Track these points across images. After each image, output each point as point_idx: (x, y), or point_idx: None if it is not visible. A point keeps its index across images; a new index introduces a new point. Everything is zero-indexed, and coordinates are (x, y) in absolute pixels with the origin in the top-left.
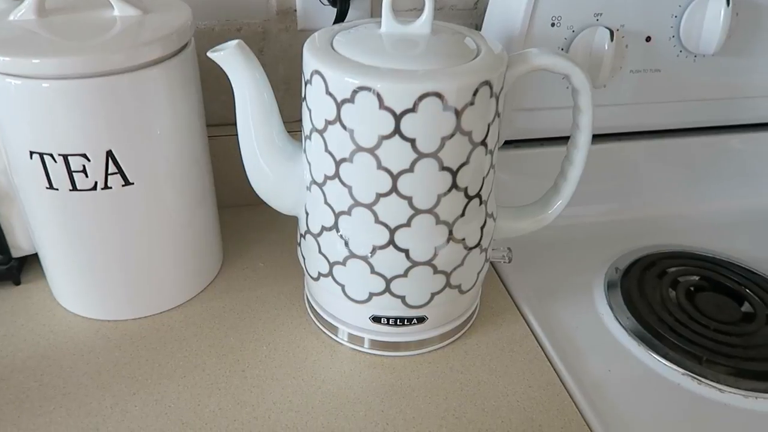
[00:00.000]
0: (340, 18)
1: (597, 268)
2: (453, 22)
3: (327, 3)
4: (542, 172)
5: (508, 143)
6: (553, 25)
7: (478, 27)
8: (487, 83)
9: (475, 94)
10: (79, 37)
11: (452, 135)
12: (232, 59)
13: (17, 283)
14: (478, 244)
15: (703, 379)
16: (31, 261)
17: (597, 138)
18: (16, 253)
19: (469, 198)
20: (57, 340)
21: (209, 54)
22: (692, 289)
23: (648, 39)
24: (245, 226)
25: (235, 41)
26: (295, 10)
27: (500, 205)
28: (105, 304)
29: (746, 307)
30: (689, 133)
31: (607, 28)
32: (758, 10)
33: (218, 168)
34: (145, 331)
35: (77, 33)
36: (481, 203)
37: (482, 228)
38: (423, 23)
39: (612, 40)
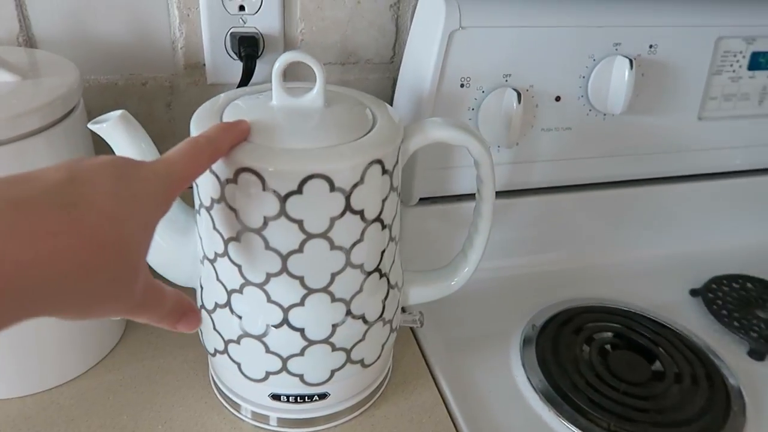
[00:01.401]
0: (246, 79)
1: (515, 324)
2: (369, 75)
3: (237, 58)
4: (465, 224)
5: (429, 199)
6: (462, 86)
7: (394, 81)
8: (378, 161)
9: (364, 173)
10: None
11: (342, 215)
12: (114, 132)
13: None
14: (380, 317)
15: None
16: None
17: (515, 193)
18: None
19: (367, 274)
20: None
21: (90, 126)
22: (606, 347)
23: (558, 98)
24: None
25: (119, 112)
26: (204, 65)
27: (411, 269)
28: None
29: (657, 365)
30: (604, 187)
31: (514, 89)
32: (664, 70)
33: None
34: (32, 410)
35: None
36: (381, 276)
37: (384, 300)
38: (315, 96)
39: (520, 101)
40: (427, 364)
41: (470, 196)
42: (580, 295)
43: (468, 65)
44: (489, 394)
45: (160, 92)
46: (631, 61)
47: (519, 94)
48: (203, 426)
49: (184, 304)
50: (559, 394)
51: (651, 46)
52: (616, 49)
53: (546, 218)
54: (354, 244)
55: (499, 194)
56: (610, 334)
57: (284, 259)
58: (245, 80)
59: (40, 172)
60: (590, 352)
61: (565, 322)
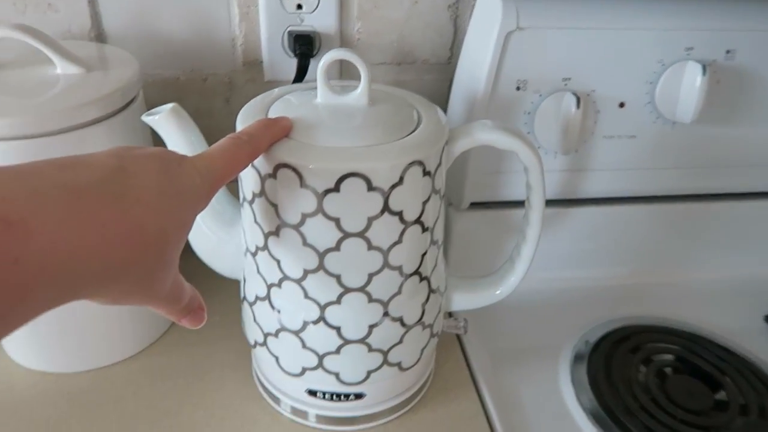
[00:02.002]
0: (300, 76)
1: (566, 338)
2: (425, 76)
3: (293, 56)
4: (517, 231)
5: (481, 204)
6: (518, 88)
7: (451, 82)
8: (419, 162)
9: (404, 173)
10: (18, 96)
11: (380, 215)
12: (165, 124)
13: None
14: (420, 321)
15: None
16: None
17: (573, 202)
18: None
19: (407, 276)
20: None
21: (143, 118)
22: (666, 369)
23: (622, 104)
24: (204, 275)
25: (170, 105)
26: (262, 62)
27: (457, 275)
28: (46, 356)
29: (721, 395)
30: (672, 200)
31: (574, 93)
32: (741, 77)
33: None
34: (85, 386)
35: (16, 92)
36: (421, 280)
37: (424, 304)
38: (359, 95)
39: (579, 106)
40: (471, 372)
41: (523, 203)
42: (639, 313)
43: (525, 67)
44: (533, 410)
45: (219, 88)
46: (704, 67)
47: (578, 99)
48: (243, 416)
49: (195, 302)
50: (610, 416)
51: (728, 51)
52: (688, 54)
53: (606, 230)
54: (392, 246)
55: (556, 203)
56: (671, 356)
57: (321, 256)
58: (299, 78)
59: (91, 157)
60: (647, 373)
61: (622, 339)
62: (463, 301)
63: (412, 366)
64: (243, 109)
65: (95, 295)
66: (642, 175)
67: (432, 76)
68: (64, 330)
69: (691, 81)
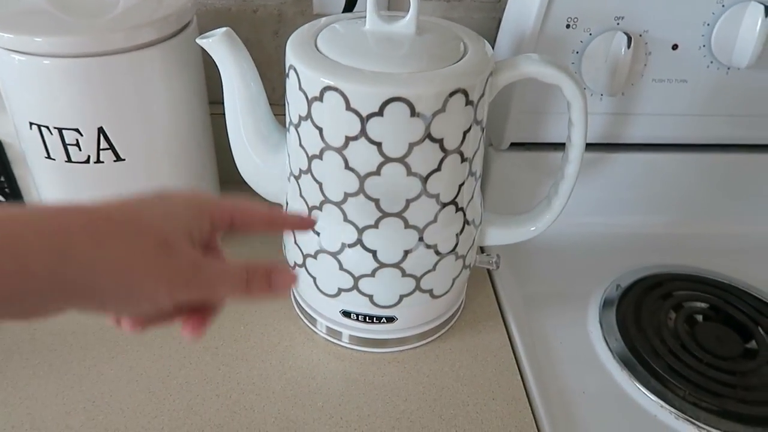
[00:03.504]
0: (349, 7)
1: (598, 281)
2: (474, 15)
3: None
4: (555, 175)
5: (521, 145)
6: (568, 26)
7: (499, 22)
8: (462, 91)
9: (447, 101)
10: (82, 16)
11: (421, 141)
12: (219, 47)
13: None
14: (453, 251)
15: (681, 414)
16: None
17: (615, 147)
18: None
19: (443, 205)
20: None
21: (197, 40)
22: (696, 316)
23: (675, 47)
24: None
25: (224, 29)
26: None
27: (492, 210)
28: None
29: (751, 344)
30: (720, 149)
31: (625, 33)
32: None
33: (223, 144)
34: None
35: (80, 12)
36: (457, 210)
37: (458, 235)
38: (408, 22)
39: (629, 46)
40: (500, 307)
41: (563, 146)
42: (674, 262)
43: (576, 4)
44: (559, 347)
45: (268, 20)
46: (766, 9)
47: (630, 39)
48: (280, 333)
49: (264, 267)
50: (636, 357)
51: None
52: None
53: (647, 177)
54: (431, 173)
55: (598, 146)
56: (703, 304)
57: (362, 180)
58: (348, 9)
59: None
60: (676, 319)
61: (654, 286)
62: (497, 236)
63: (443, 294)
64: (291, 37)
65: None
66: (691, 122)
67: (481, 15)
68: None
69: (752, 24)
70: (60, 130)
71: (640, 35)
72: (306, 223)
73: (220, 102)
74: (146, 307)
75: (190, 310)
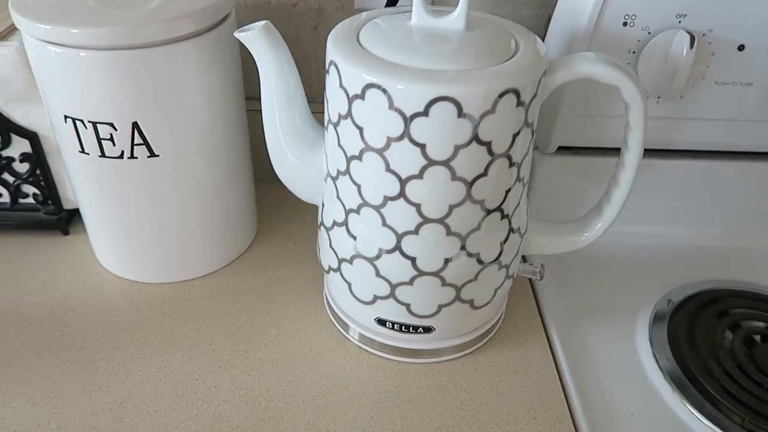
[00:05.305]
0: (393, 1)
1: (647, 295)
2: (523, 11)
3: None
4: (604, 182)
5: (568, 149)
6: (625, 24)
7: (549, 19)
8: (513, 91)
9: (497, 102)
10: (118, 7)
11: (468, 144)
12: (257, 41)
13: (65, 233)
14: (497, 260)
15: None
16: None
17: (672, 153)
18: (66, 205)
19: (488, 212)
20: (86, 294)
21: (235, 33)
22: (754, 337)
23: (741, 48)
24: (283, 202)
25: (263, 22)
26: None
27: (538, 218)
28: (134, 266)
29: None
30: None
31: (688, 32)
32: None
33: (259, 142)
34: (167, 296)
35: (117, 3)
36: (503, 217)
37: (503, 243)
38: (456, 18)
39: (692, 46)
40: (542, 320)
41: (615, 151)
42: (729, 277)
43: (635, 0)
44: (605, 364)
45: (308, 15)
46: None
47: (692, 38)
48: (312, 339)
49: None
50: (689, 378)
51: None
52: None
53: (702, 186)
54: (477, 178)
55: (653, 152)
56: (762, 324)
57: (403, 183)
58: (391, 4)
59: None
60: (733, 339)
61: (708, 303)
62: (543, 245)
63: (484, 305)
64: (332, 32)
65: None
66: (754, 129)
67: (529, 11)
68: (154, 244)
69: None
70: (94, 124)
71: (704, 35)
72: None
73: (257, 98)
74: None
75: None
